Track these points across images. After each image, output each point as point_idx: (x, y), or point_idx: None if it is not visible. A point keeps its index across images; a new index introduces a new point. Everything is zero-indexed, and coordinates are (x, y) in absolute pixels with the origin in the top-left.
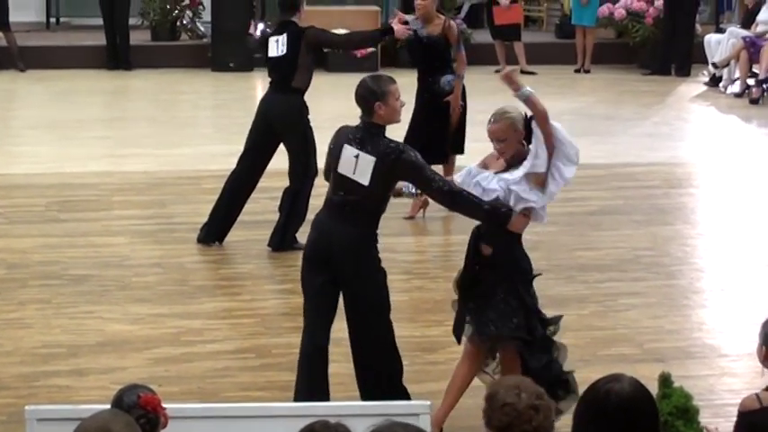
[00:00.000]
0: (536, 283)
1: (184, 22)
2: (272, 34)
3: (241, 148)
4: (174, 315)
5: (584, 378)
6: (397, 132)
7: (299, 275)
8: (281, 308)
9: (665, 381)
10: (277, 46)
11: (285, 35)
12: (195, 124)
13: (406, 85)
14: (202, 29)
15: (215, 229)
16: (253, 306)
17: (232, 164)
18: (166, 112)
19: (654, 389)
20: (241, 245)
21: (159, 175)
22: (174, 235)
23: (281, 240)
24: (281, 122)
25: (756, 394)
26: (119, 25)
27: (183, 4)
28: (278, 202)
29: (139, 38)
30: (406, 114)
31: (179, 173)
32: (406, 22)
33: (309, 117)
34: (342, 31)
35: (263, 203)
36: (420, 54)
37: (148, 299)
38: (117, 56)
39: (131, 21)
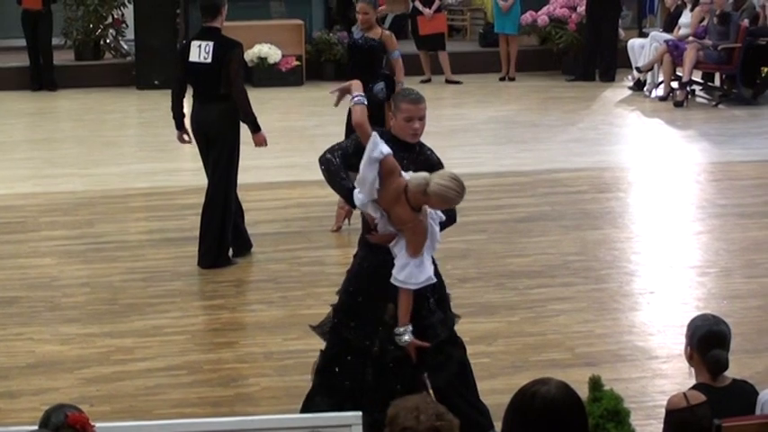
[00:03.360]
0: (466, 291)
1: (108, 40)
2: (195, 38)
3: (168, 166)
4: (104, 334)
5: (515, 384)
6: (332, 142)
7: (228, 291)
8: (211, 324)
9: (595, 384)
10: (199, 51)
11: (211, 44)
12: (121, 143)
13: (330, 97)
14: (126, 47)
15: (235, 247)
16: (183, 323)
17: (159, 182)
18: (92, 132)
19: (585, 393)
20: (170, 262)
21: (86, 195)
22: (102, 254)
23: (215, 262)
24: (216, 130)
25: (684, 393)
26: (42, 46)
27: (106, 22)
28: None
29: (63, 58)
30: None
31: (106, 192)
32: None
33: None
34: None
35: (191, 220)
36: (358, 58)
37: (78, 318)
38: (41, 77)
39: (54, 41)
